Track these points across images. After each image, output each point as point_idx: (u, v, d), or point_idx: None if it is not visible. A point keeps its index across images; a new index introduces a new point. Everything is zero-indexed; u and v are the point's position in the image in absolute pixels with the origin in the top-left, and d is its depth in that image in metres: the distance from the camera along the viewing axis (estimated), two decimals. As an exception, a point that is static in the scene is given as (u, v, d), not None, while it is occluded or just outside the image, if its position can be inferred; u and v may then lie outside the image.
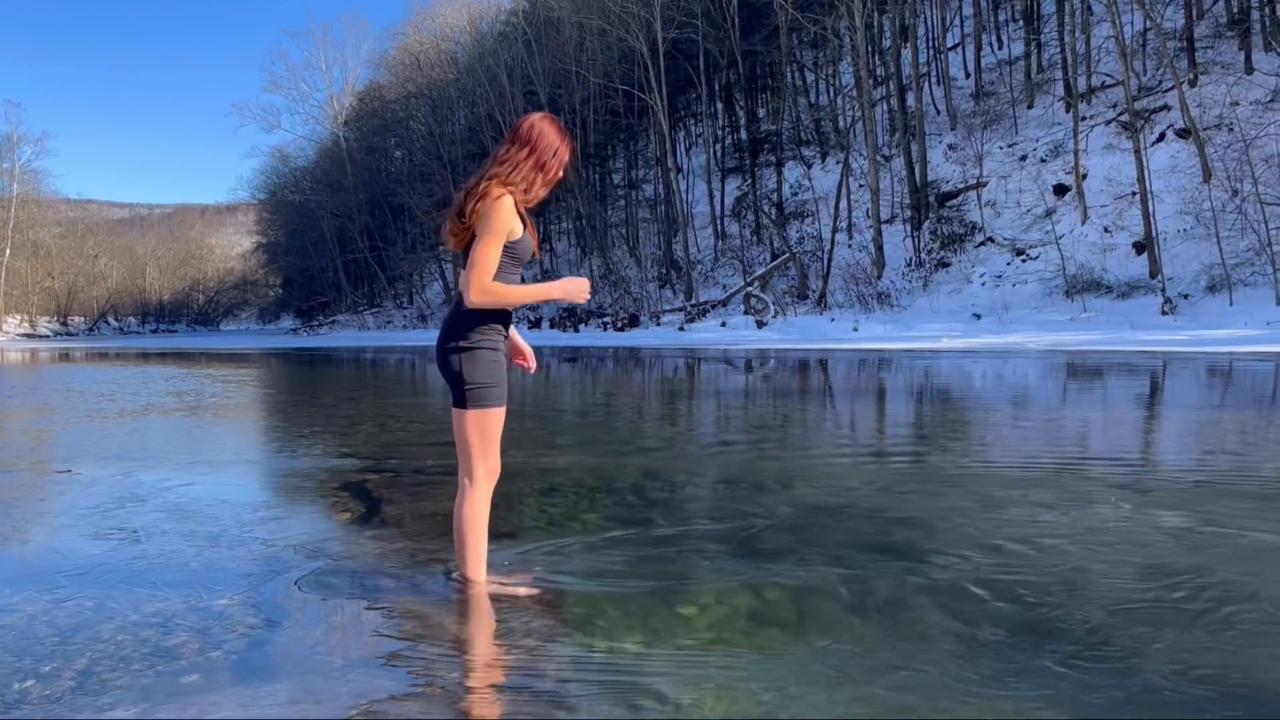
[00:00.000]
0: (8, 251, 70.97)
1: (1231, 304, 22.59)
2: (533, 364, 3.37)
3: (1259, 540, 3.79)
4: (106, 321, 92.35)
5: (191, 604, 3.12)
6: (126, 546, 3.93)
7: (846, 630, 2.79)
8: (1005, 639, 2.68)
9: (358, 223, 65.00)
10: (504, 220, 3.00)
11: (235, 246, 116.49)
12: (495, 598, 3.12)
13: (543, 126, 3.12)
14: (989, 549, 3.68)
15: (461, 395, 3.10)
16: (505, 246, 3.04)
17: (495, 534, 3.37)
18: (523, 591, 3.19)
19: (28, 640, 2.79)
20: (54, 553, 3.91)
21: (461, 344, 3.09)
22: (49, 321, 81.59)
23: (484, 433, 3.12)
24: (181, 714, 2.25)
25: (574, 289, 3.12)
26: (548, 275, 48.69)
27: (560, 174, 3.17)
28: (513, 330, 3.31)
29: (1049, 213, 29.24)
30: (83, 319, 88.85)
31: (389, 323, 61.98)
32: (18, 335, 70.67)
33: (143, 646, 2.72)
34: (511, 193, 3.05)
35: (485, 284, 3.01)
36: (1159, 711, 2.20)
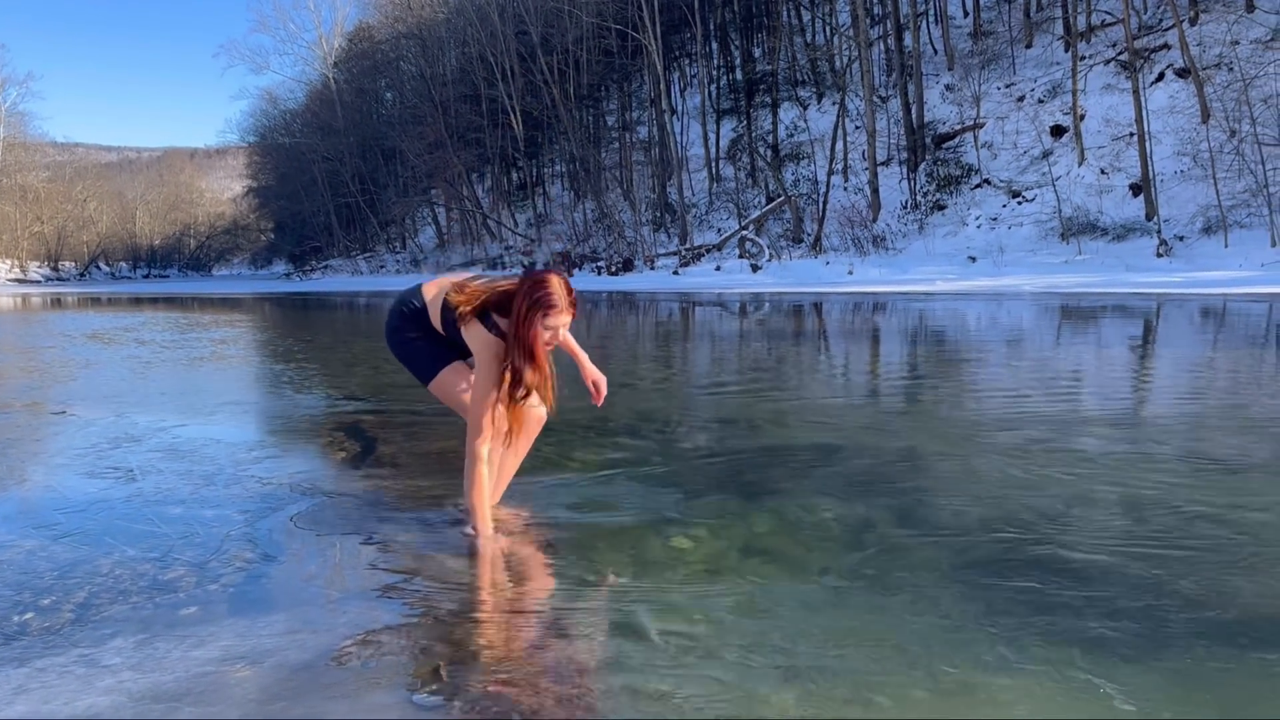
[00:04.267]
0: (-5, 196, 70.23)
1: (1227, 245, 22.52)
2: (598, 399, 3.52)
3: (1244, 474, 3.83)
4: (98, 267, 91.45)
5: (188, 539, 3.14)
6: (122, 485, 3.95)
7: (837, 564, 2.83)
8: (996, 571, 2.72)
9: (349, 166, 64.24)
10: (479, 351, 3.06)
11: (226, 190, 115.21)
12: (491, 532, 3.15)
13: (553, 283, 3.01)
14: (982, 484, 3.72)
15: (415, 374, 3.39)
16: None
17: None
18: (517, 526, 3.22)
19: (26, 575, 2.81)
20: (51, 491, 3.93)
21: (396, 338, 3.38)
22: (39, 267, 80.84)
23: (448, 396, 3.35)
24: (180, 644, 2.28)
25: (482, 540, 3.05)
26: (541, 219, 48.38)
27: (544, 330, 3.00)
28: (589, 365, 3.52)
29: (1046, 154, 29.01)
30: (73, 264, 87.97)
31: (382, 267, 61.56)
32: (9, 280, 70.13)
33: (141, 580, 2.75)
34: (485, 318, 3.07)
35: (474, 440, 3.06)
36: (1155, 644, 2.24)
